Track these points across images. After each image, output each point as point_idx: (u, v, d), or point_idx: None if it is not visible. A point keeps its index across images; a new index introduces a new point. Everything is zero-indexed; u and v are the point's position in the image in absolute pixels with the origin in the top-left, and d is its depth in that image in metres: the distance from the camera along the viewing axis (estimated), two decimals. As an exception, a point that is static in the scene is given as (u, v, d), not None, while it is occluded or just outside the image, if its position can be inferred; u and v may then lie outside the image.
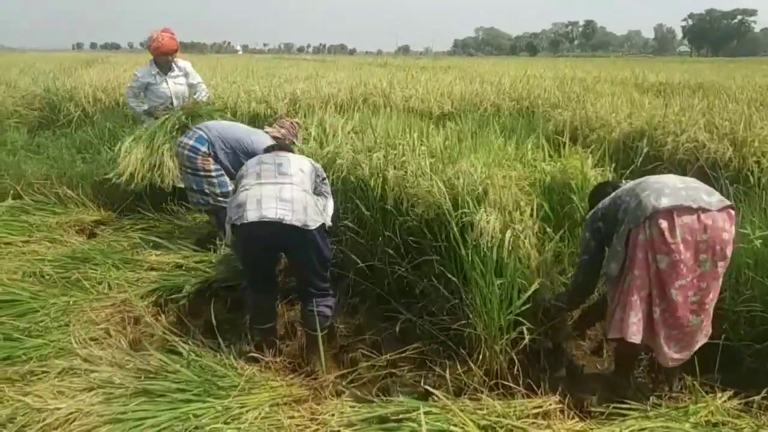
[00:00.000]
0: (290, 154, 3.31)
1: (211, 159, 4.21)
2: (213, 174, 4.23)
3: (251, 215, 2.80)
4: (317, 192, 3.27)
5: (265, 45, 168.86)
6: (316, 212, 2.94)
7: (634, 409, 2.46)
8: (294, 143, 4.26)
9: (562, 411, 2.48)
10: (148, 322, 3.26)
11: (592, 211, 2.78)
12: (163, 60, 5.45)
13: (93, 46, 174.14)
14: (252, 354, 2.93)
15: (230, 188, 4.12)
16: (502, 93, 8.76)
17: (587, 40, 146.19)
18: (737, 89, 8.29)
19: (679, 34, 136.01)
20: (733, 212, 2.47)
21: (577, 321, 3.20)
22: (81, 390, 2.53)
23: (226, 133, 4.27)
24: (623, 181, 3.01)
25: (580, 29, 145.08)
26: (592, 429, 2.37)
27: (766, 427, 2.31)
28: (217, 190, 4.25)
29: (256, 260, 3.04)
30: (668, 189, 2.44)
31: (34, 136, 7.96)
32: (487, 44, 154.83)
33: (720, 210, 2.42)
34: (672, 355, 2.52)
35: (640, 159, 4.70)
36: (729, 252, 2.44)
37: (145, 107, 5.60)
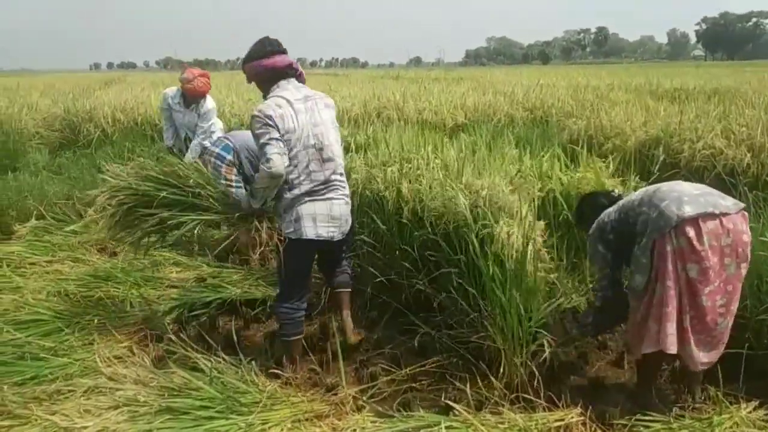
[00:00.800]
0: (317, 100, 3.07)
1: (234, 168, 4.31)
2: (233, 184, 4.31)
3: (309, 233, 2.99)
4: None
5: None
6: (351, 213, 3.21)
7: (657, 421, 2.44)
8: None
9: (584, 423, 2.48)
10: (170, 340, 3.29)
11: (597, 224, 2.75)
12: (191, 98, 5.53)
13: (110, 65, 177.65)
14: (273, 370, 2.95)
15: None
16: (515, 103, 8.80)
17: (599, 47, 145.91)
18: (753, 94, 8.22)
19: (693, 39, 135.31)
20: (746, 214, 2.50)
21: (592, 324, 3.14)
22: (107, 408, 2.57)
23: (250, 141, 4.34)
24: (615, 190, 2.99)
25: (592, 36, 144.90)
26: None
27: (793, 438, 2.28)
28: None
29: (305, 268, 3.19)
30: (686, 197, 2.44)
31: (56, 156, 8.16)
32: (499, 53, 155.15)
33: (737, 213, 2.44)
34: (702, 359, 2.50)
35: (657, 167, 4.67)
36: (749, 253, 2.46)
37: (171, 142, 5.78)
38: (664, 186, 2.62)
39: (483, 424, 2.41)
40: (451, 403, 2.58)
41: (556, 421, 2.50)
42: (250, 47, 3.09)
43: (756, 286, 2.93)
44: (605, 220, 2.72)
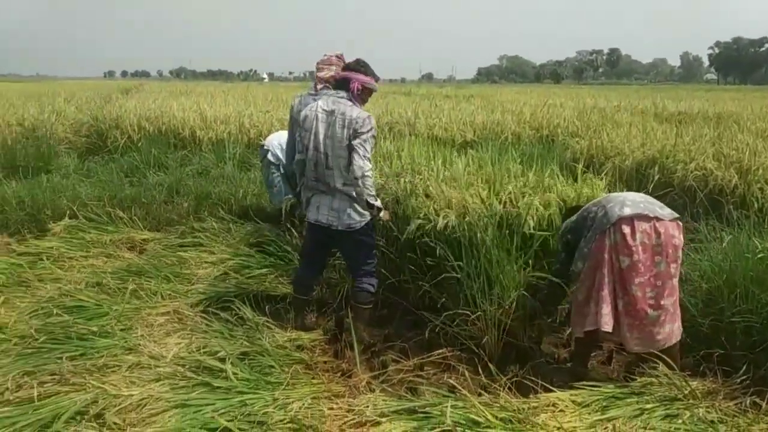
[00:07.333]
0: (338, 117, 3.46)
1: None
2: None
3: (311, 217, 3.67)
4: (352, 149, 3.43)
5: (290, 73, 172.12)
6: (359, 213, 3.54)
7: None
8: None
9: (566, 406, 2.78)
10: (200, 328, 3.64)
11: (562, 227, 3.24)
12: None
13: (124, 74, 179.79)
14: (296, 354, 3.30)
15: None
16: (522, 122, 9.13)
17: (612, 67, 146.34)
18: (749, 119, 8.53)
19: (706, 62, 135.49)
20: (681, 224, 2.91)
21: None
22: (149, 381, 2.92)
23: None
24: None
25: (605, 57, 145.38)
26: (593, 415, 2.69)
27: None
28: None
29: (310, 245, 3.87)
30: (629, 201, 2.89)
31: (84, 161, 8.57)
32: (511, 72, 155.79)
33: (671, 220, 2.86)
34: (634, 343, 2.93)
35: (651, 185, 5.00)
36: (679, 255, 2.88)
37: None
38: (615, 193, 3.10)
39: (483, 404, 2.73)
40: (454, 383, 2.90)
41: (547, 405, 2.82)
42: None
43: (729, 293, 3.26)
44: (567, 224, 3.19)
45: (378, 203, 3.56)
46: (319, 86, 4.43)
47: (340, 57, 4.39)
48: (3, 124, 9.38)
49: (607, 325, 2.86)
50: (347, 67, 3.66)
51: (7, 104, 12.46)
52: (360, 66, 3.62)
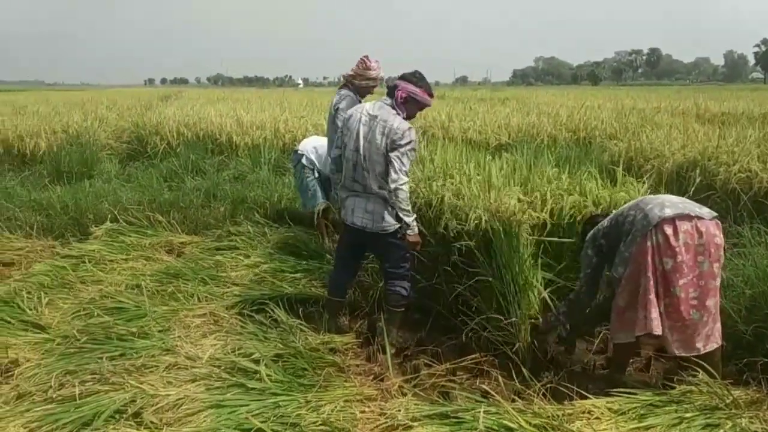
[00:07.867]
0: (380, 124, 3.49)
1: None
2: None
3: (347, 219, 3.70)
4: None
5: (325, 78, 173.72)
6: (391, 217, 3.56)
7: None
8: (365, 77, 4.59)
9: (602, 414, 2.72)
10: (235, 330, 3.70)
11: (593, 231, 3.16)
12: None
13: (163, 81, 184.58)
14: (329, 357, 3.32)
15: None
16: (558, 125, 9.00)
17: (652, 68, 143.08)
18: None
19: (752, 61, 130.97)
20: (720, 222, 2.86)
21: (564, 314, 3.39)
22: (186, 381, 2.98)
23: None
24: (612, 210, 3.36)
25: (644, 57, 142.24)
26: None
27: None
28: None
29: (345, 247, 3.91)
30: (668, 202, 2.86)
31: (125, 166, 8.82)
32: (548, 74, 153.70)
33: (711, 219, 2.83)
34: (676, 346, 2.88)
35: (693, 188, 4.87)
36: (721, 254, 2.83)
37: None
38: (650, 196, 3.07)
39: (516, 411, 2.69)
40: (487, 389, 2.88)
41: (582, 412, 2.76)
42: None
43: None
44: (599, 228, 3.14)
45: (408, 219, 3.49)
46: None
47: (362, 59, 4.63)
48: (49, 131, 9.72)
49: (658, 328, 2.82)
50: (402, 76, 3.68)
51: (53, 112, 12.92)
52: (413, 77, 3.63)
